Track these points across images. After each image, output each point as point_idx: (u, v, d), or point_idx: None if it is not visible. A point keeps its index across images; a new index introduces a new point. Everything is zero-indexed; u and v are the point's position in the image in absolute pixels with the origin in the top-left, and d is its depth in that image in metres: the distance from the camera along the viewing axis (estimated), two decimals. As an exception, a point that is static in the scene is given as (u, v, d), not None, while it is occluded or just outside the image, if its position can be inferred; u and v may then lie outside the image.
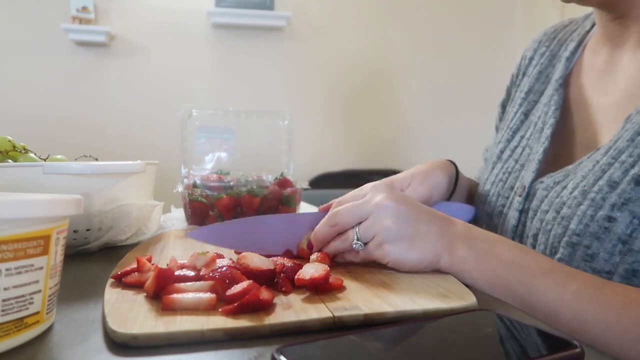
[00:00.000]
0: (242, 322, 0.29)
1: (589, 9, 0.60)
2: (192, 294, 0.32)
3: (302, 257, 0.48)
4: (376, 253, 0.42)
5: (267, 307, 0.32)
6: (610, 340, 0.34)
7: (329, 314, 0.31)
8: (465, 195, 0.70)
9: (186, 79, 2.32)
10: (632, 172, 0.43)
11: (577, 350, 0.25)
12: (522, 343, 0.27)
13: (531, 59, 0.67)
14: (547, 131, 0.56)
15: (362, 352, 0.25)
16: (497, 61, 2.54)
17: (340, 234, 0.44)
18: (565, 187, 0.49)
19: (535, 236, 0.52)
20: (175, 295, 0.32)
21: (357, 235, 0.42)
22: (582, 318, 0.36)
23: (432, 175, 0.60)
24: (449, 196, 0.65)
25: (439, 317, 0.30)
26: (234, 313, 0.31)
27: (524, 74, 0.68)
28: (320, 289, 0.36)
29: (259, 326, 0.29)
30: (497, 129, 0.75)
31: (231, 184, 0.72)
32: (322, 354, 0.25)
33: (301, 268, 0.37)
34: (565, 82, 0.59)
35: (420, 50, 2.51)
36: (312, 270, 0.36)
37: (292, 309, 0.32)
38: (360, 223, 0.42)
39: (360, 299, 0.34)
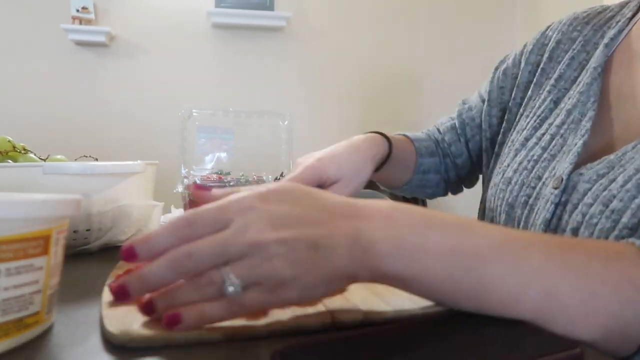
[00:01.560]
0: (240, 323, 0.29)
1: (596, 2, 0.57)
2: None
3: None
4: (268, 300, 0.29)
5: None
6: (596, 307, 0.29)
7: (327, 314, 0.31)
8: (401, 166, 0.69)
9: (186, 79, 2.32)
10: None
11: (577, 350, 0.25)
12: (521, 343, 0.27)
13: (559, 42, 0.62)
14: (587, 124, 0.52)
15: (362, 352, 0.25)
16: (497, 58, 2.54)
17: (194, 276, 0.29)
18: (613, 180, 0.45)
19: (575, 230, 0.47)
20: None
21: (228, 276, 0.28)
22: (557, 292, 0.29)
23: (358, 177, 0.59)
24: (379, 168, 0.64)
25: (438, 316, 0.30)
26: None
27: (550, 57, 0.63)
28: None
29: (256, 327, 0.29)
30: (488, 94, 0.70)
31: (231, 184, 0.72)
32: (322, 354, 0.25)
33: None
34: (603, 71, 0.55)
35: (420, 50, 2.51)
36: None
37: (290, 309, 0.32)
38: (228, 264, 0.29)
39: (358, 299, 0.34)
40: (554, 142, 0.55)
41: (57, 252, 0.30)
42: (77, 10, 2.16)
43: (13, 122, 2.15)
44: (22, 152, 0.59)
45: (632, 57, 0.53)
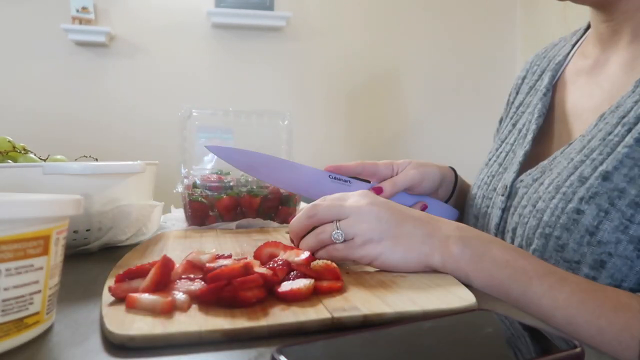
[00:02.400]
0: (240, 323, 0.29)
1: (588, 13, 0.61)
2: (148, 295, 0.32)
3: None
4: (358, 252, 0.42)
5: (243, 305, 0.32)
6: (602, 343, 0.36)
7: (328, 315, 0.31)
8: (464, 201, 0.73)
9: (186, 79, 2.32)
10: (601, 168, 0.46)
11: (577, 350, 0.25)
12: (521, 343, 0.27)
13: (524, 78, 0.71)
14: (529, 136, 0.60)
15: (363, 352, 0.25)
16: (497, 59, 2.54)
17: (316, 227, 0.44)
18: (542, 184, 0.52)
19: (514, 230, 0.54)
20: (135, 295, 0.32)
21: (337, 226, 0.42)
22: (574, 322, 0.36)
23: (427, 165, 0.65)
24: (448, 199, 0.68)
25: (438, 317, 0.30)
26: (208, 295, 0.32)
27: (517, 92, 0.72)
28: (319, 291, 0.35)
29: (257, 327, 0.29)
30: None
31: (231, 184, 0.72)
32: (322, 354, 0.25)
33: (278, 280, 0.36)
34: (553, 91, 0.63)
35: (420, 50, 2.52)
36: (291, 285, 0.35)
37: (291, 310, 0.32)
38: (339, 220, 0.42)
39: (359, 300, 0.34)
40: (507, 157, 0.63)
41: (57, 252, 0.30)
42: (77, 11, 2.16)
43: (13, 122, 2.15)
44: (22, 152, 0.59)
45: (572, 77, 0.62)
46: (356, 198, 0.44)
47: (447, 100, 2.53)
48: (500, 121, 0.76)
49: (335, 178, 0.61)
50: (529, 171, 0.56)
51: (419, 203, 0.64)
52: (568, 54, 0.64)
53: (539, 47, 0.74)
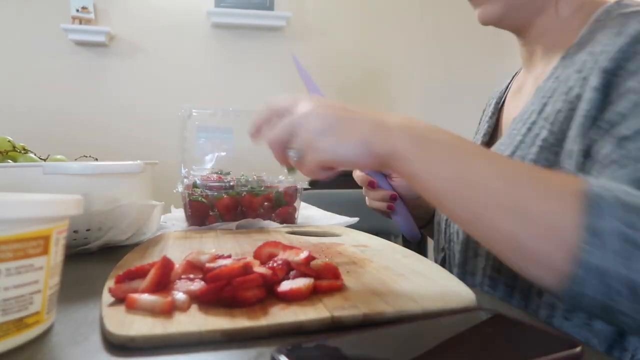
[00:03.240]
0: (240, 323, 0.29)
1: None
2: (148, 295, 0.32)
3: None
4: (309, 156, 0.41)
5: (243, 305, 0.32)
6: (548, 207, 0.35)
7: (327, 314, 0.31)
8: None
9: (186, 79, 2.32)
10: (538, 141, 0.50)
11: (577, 350, 0.25)
12: (521, 343, 0.27)
13: (484, 110, 0.76)
14: None
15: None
16: (491, 60, 2.54)
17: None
18: None
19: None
20: (135, 295, 0.32)
21: (292, 150, 0.43)
22: (518, 185, 0.36)
23: None
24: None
25: (439, 316, 0.30)
26: (207, 295, 0.32)
27: (479, 123, 0.76)
28: (318, 290, 0.35)
29: (256, 327, 0.29)
30: None
31: (231, 184, 0.72)
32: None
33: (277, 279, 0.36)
34: (498, 114, 0.69)
35: (419, 50, 2.52)
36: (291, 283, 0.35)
37: (291, 309, 0.32)
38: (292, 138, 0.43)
39: (359, 299, 0.34)
40: None
41: (57, 252, 0.30)
42: (77, 10, 2.16)
43: (13, 122, 2.15)
44: (22, 152, 0.59)
45: (510, 97, 0.68)
46: (303, 105, 0.43)
47: (447, 100, 2.53)
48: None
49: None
50: None
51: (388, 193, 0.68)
52: (510, 81, 0.71)
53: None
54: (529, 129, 0.53)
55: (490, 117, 0.69)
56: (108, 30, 2.17)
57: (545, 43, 0.59)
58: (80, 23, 2.17)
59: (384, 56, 2.49)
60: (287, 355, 0.23)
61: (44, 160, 0.60)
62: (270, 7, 2.32)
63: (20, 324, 0.27)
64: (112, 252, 0.55)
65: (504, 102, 0.70)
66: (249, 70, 2.37)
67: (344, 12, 2.45)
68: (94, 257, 0.53)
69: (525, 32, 0.60)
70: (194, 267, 0.38)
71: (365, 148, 0.40)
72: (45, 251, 0.28)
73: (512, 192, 0.35)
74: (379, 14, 2.47)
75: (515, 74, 0.72)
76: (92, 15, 2.18)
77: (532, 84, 0.61)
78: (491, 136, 0.68)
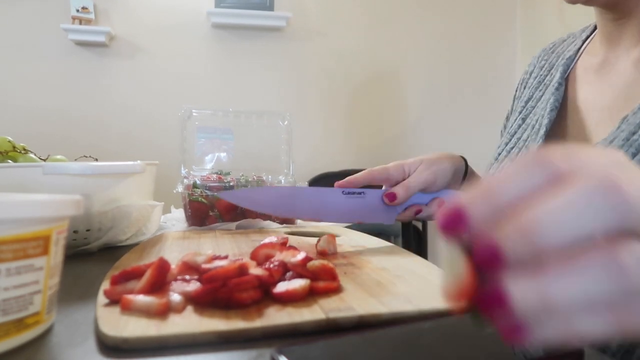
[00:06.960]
0: (235, 324, 0.29)
1: (587, 13, 0.62)
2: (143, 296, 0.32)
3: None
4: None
5: (239, 306, 0.32)
6: None
7: (322, 316, 0.31)
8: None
9: (186, 80, 2.32)
10: None
11: (577, 350, 0.25)
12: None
13: (531, 73, 0.70)
14: (541, 131, 0.59)
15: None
16: (497, 59, 2.54)
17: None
18: None
19: None
20: (130, 296, 0.32)
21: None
22: None
23: (439, 162, 0.63)
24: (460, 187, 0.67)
25: (436, 317, 0.30)
26: (203, 297, 0.32)
27: (524, 87, 0.71)
28: (315, 291, 0.35)
29: (251, 329, 0.29)
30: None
31: (231, 184, 0.72)
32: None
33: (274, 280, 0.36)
34: (565, 85, 0.62)
35: (420, 51, 2.52)
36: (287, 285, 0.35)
37: (286, 311, 0.32)
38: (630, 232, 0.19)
39: (355, 300, 0.34)
40: (519, 152, 0.62)
41: (57, 252, 0.30)
42: (77, 10, 2.16)
43: (13, 122, 2.15)
44: (22, 152, 0.60)
45: (583, 72, 0.61)
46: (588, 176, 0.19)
47: (446, 99, 2.53)
48: (507, 117, 0.76)
49: (348, 193, 0.59)
50: None
51: (435, 200, 0.62)
52: (579, 49, 0.64)
53: (538, 47, 0.74)
54: None
55: (557, 89, 0.61)
56: (108, 31, 2.17)
57: None
58: (81, 23, 2.17)
59: (385, 57, 2.49)
60: (287, 355, 0.24)
61: (44, 160, 0.60)
62: (270, 8, 2.32)
63: (20, 324, 0.27)
64: (112, 252, 0.55)
65: (569, 73, 0.63)
66: (249, 70, 2.37)
67: (345, 12, 2.45)
68: (93, 257, 0.53)
69: (619, 7, 0.55)
70: (190, 268, 0.37)
71: None
72: (45, 251, 0.28)
73: None
74: (379, 14, 2.47)
75: (586, 39, 0.64)
76: (92, 16, 2.18)
77: (631, 68, 0.54)
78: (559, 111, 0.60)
